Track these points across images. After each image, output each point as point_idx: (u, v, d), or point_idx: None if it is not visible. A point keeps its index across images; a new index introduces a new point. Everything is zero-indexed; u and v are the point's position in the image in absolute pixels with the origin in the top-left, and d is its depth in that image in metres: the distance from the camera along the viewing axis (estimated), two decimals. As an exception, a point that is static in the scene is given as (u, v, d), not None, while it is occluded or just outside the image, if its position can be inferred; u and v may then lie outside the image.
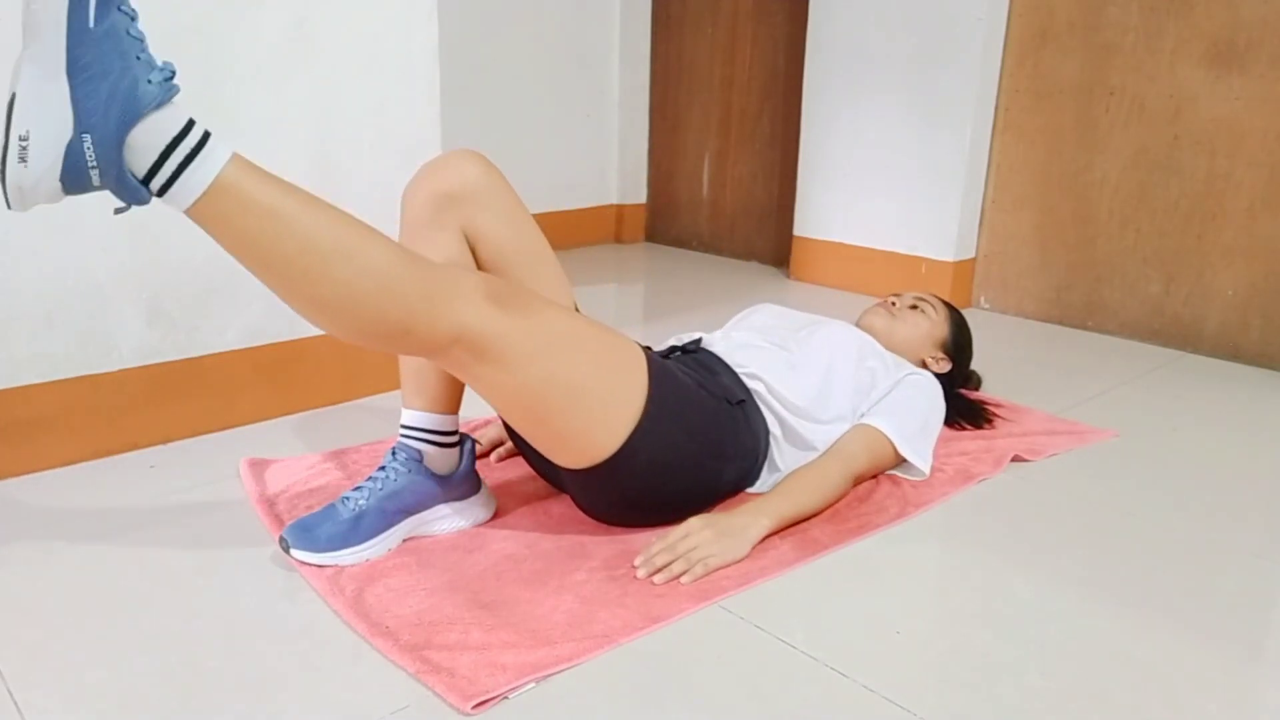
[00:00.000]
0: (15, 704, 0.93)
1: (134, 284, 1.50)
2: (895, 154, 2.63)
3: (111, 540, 1.25)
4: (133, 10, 0.88)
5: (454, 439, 1.26)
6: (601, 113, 3.39)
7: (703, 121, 3.29)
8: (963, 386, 1.76)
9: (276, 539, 1.21)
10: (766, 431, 1.36)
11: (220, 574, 1.17)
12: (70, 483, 1.42)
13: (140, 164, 0.88)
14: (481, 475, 1.32)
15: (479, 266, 1.23)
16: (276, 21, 1.56)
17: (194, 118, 0.90)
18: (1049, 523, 1.37)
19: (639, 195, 3.54)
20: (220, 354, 1.61)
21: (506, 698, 0.94)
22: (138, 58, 0.87)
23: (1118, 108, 2.29)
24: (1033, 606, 1.14)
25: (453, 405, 1.26)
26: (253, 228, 0.92)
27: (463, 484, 1.27)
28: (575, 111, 3.31)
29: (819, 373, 1.43)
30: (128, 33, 0.87)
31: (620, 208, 3.50)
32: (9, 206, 0.88)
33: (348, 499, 1.20)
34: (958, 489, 1.45)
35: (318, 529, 1.17)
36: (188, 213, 0.91)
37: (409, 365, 1.24)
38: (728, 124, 3.21)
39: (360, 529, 1.18)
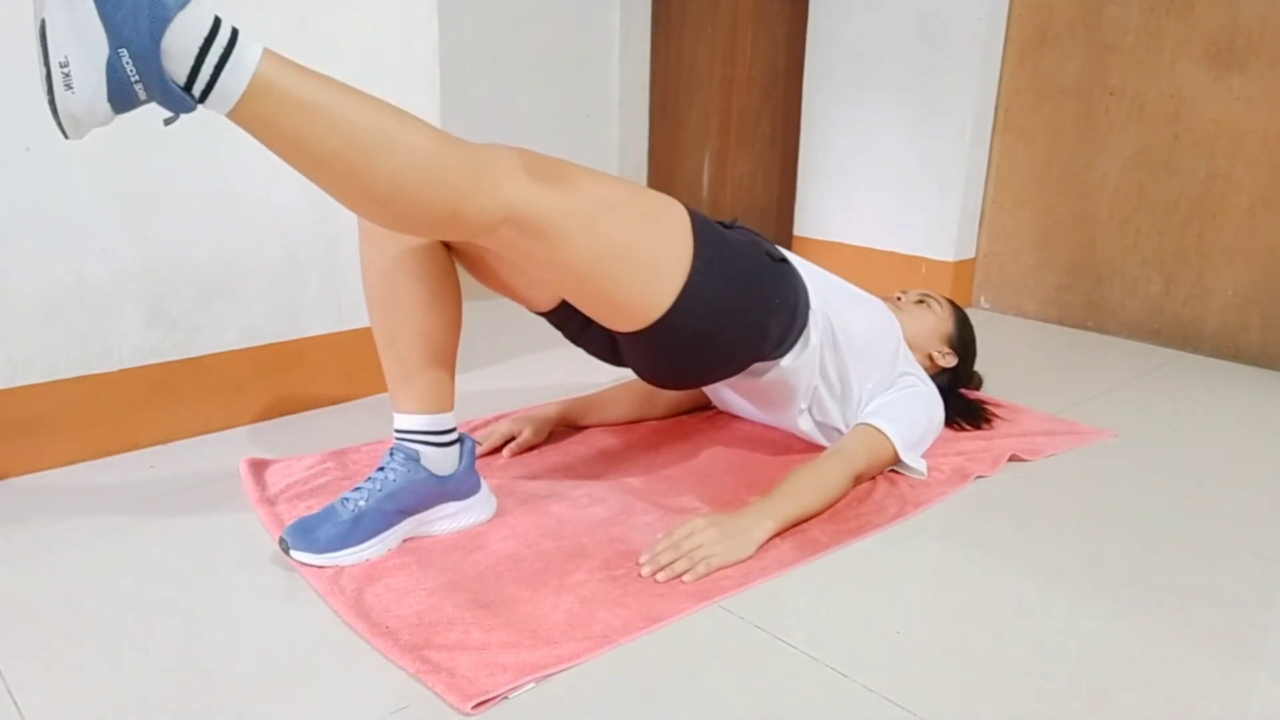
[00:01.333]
0: (15, 704, 0.93)
1: (134, 284, 1.50)
2: (895, 154, 2.64)
3: (111, 540, 1.25)
4: None
5: (451, 438, 1.26)
6: (601, 113, 3.39)
7: (703, 121, 3.29)
8: (965, 385, 1.77)
9: (276, 539, 1.21)
10: (806, 295, 1.36)
11: (220, 574, 1.17)
12: (70, 483, 1.42)
13: (180, 70, 0.87)
14: (481, 475, 1.32)
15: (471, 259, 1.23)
16: (276, 21, 1.56)
17: (219, 14, 0.89)
18: (1049, 523, 1.37)
19: (639, 195, 3.54)
20: (220, 354, 1.61)
21: (506, 698, 0.94)
22: None
23: (1118, 108, 2.29)
24: (1033, 606, 1.14)
25: (445, 403, 1.25)
26: (295, 125, 0.91)
27: (462, 484, 1.27)
28: (575, 111, 3.31)
29: (862, 305, 1.46)
30: None
31: (620, 208, 3.50)
32: (66, 136, 0.88)
33: (347, 499, 1.20)
34: (955, 488, 1.45)
35: (317, 530, 1.17)
36: (230, 116, 0.90)
37: (393, 369, 1.23)
38: (728, 124, 3.21)
39: (360, 529, 1.18)
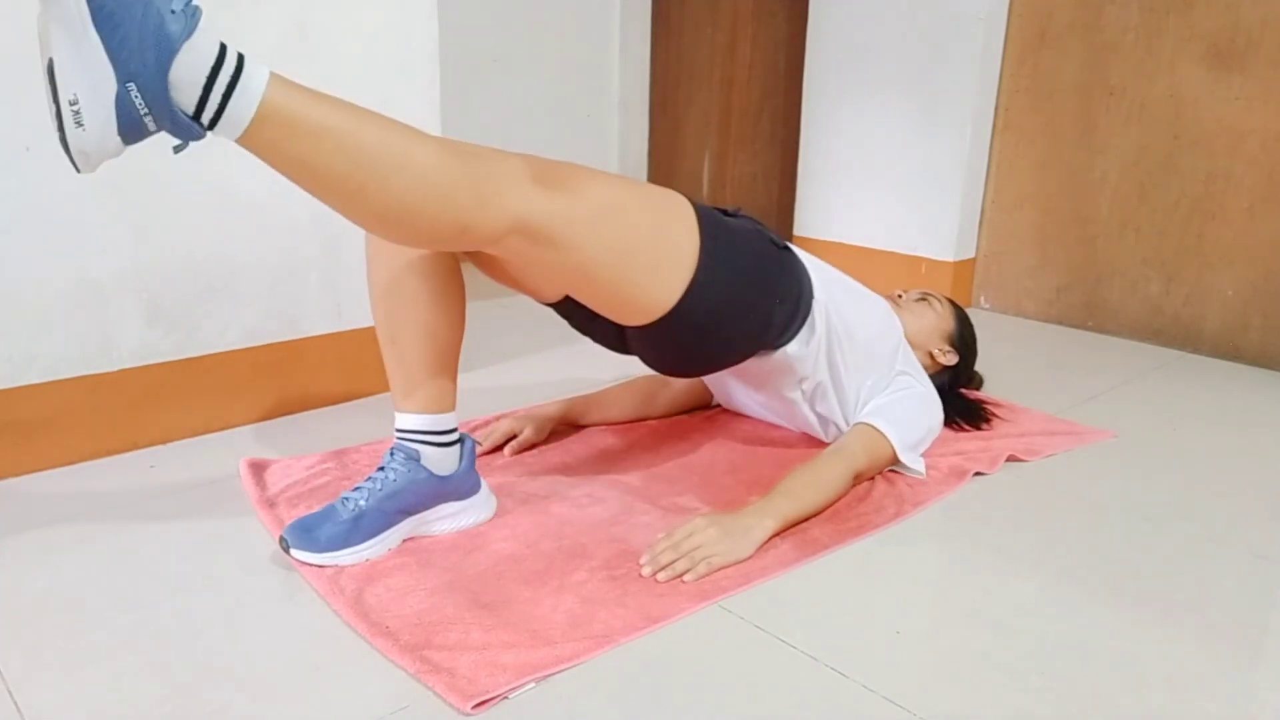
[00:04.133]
0: (15, 704, 0.93)
1: (134, 284, 1.50)
2: (895, 154, 2.64)
3: (111, 540, 1.25)
4: None
5: (452, 438, 1.26)
6: (601, 113, 3.39)
7: (703, 121, 3.29)
8: (965, 385, 1.77)
9: (276, 539, 1.21)
10: (810, 284, 1.37)
11: (220, 574, 1.17)
12: (70, 483, 1.42)
13: (188, 100, 0.87)
14: (482, 475, 1.32)
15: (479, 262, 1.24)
16: (276, 21, 1.56)
17: (224, 41, 0.89)
18: (1049, 522, 1.37)
19: (639, 195, 3.54)
20: (220, 354, 1.61)
21: (506, 698, 0.94)
22: None
23: (1118, 108, 2.29)
24: (1033, 606, 1.14)
25: (446, 404, 1.25)
26: (303, 148, 0.91)
27: (463, 484, 1.27)
28: (575, 111, 3.31)
29: (867, 300, 1.47)
30: None
31: (620, 208, 3.50)
32: (77, 171, 0.88)
33: (347, 499, 1.20)
34: (954, 488, 1.45)
35: (318, 529, 1.17)
36: (239, 141, 0.91)
37: (395, 369, 1.23)
38: (728, 124, 3.21)
39: (360, 529, 1.18)
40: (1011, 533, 1.33)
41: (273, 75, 0.90)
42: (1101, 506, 1.42)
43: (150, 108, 0.86)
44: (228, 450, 1.54)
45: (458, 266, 1.24)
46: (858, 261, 2.76)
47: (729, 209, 1.40)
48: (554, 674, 0.98)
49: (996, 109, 2.50)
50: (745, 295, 1.25)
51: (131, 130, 0.87)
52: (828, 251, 2.83)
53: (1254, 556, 1.28)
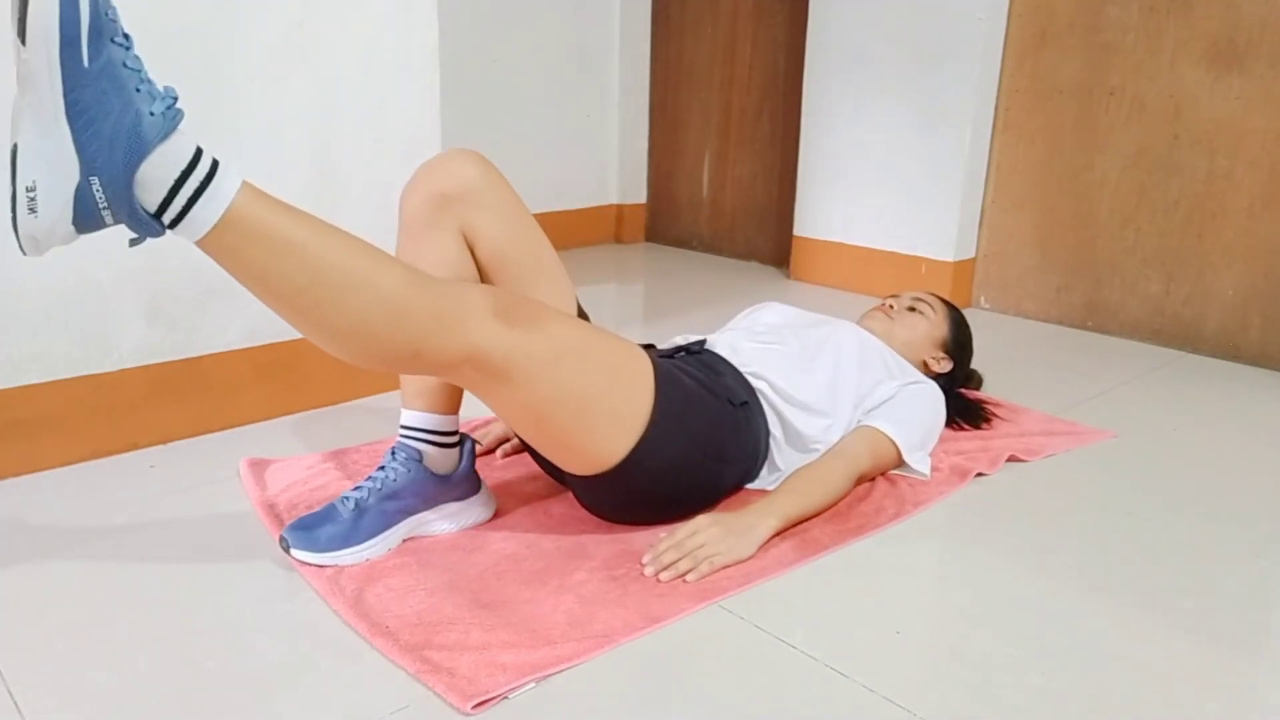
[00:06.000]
0: (15, 704, 0.93)
1: (134, 284, 1.50)
2: (895, 154, 2.64)
3: (111, 540, 1.25)
4: (127, 39, 0.85)
5: (454, 439, 1.26)
6: (601, 113, 3.39)
7: (703, 121, 3.29)
8: (963, 386, 1.76)
9: (277, 539, 1.21)
10: (767, 433, 1.37)
11: (220, 574, 1.17)
12: (70, 483, 1.42)
13: (151, 199, 0.86)
14: (481, 475, 1.32)
15: (478, 266, 1.23)
16: (276, 22, 1.56)
17: (201, 145, 0.88)
18: (1049, 523, 1.37)
19: (639, 195, 3.54)
20: (220, 354, 1.61)
21: (506, 698, 0.94)
22: (137, 89, 0.84)
23: (1118, 108, 2.29)
24: (1033, 606, 1.14)
25: (453, 406, 1.26)
26: (263, 260, 0.90)
27: (463, 484, 1.27)
28: (575, 111, 3.31)
29: (826, 372, 1.43)
30: (124, 64, 0.84)
31: (620, 208, 3.50)
32: (24, 254, 0.87)
33: (347, 499, 1.20)
34: (954, 488, 1.45)
35: (318, 529, 1.17)
36: (198, 244, 0.90)
37: None
38: (728, 124, 3.21)
39: (360, 529, 1.18)
40: (1011, 533, 1.33)
41: (245, 184, 0.89)
42: (1101, 506, 1.42)
43: (110, 203, 0.85)
44: (228, 450, 1.54)
45: (473, 272, 1.24)
46: (858, 262, 2.76)
47: (693, 343, 1.41)
48: (554, 674, 0.98)
49: (996, 109, 2.50)
50: (694, 460, 1.23)
51: (88, 221, 0.86)
52: (828, 251, 2.83)
53: (1254, 556, 1.28)
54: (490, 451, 1.55)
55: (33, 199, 0.83)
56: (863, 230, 2.75)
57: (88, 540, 1.25)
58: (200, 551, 1.22)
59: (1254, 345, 2.16)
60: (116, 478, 1.44)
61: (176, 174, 0.86)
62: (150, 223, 0.88)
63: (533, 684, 0.97)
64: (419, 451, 1.23)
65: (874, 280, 2.72)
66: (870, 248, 2.74)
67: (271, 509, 1.32)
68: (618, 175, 3.47)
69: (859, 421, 1.46)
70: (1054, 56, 2.38)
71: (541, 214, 3.09)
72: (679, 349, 1.43)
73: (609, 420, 1.13)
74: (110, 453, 1.52)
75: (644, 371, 1.17)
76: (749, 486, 1.40)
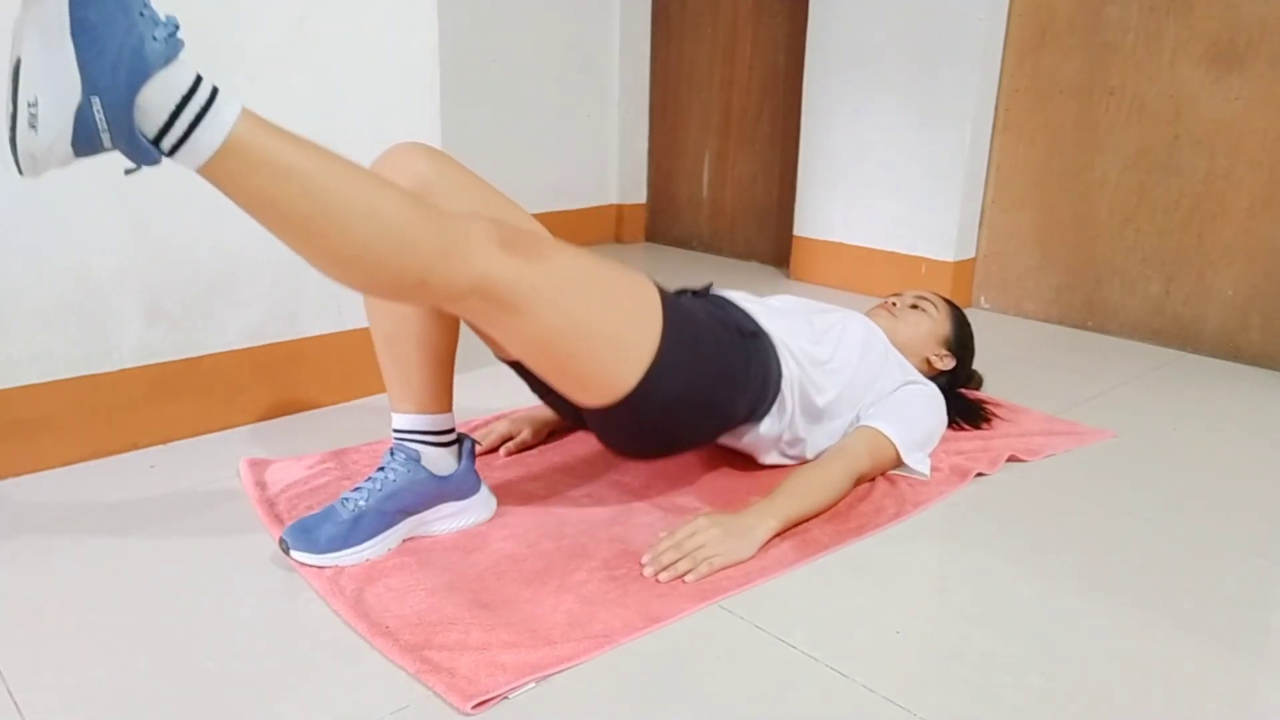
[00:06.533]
0: (15, 704, 0.93)
1: (134, 284, 1.50)
2: (895, 154, 2.64)
3: (111, 540, 1.25)
4: None
5: (450, 438, 1.26)
6: (601, 113, 3.39)
7: (703, 121, 3.29)
8: (964, 385, 1.77)
9: (276, 539, 1.20)
10: (779, 365, 1.35)
11: (220, 574, 1.17)
12: (70, 483, 1.42)
13: (150, 124, 0.86)
14: (481, 475, 1.32)
15: None
16: (277, 21, 1.56)
17: (200, 73, 0.88)
18: (1049, 523, 1.37)
19: (639, 195, 3.54)
20: (220, 354, 1.61)
21: (506, 698, 0.94)
22: (141, 14, 0.84)
23: (1118, 108, 2.29)
24: (1033, 606, 1.14)
25: (443, 404, 1.25)
26: (267, 187, 0.90)
27: (462, 484, 1.27)
28: (575, 111, 3.31)
29: (830, 348, 1.44)
30: None
31: (620, 208, 3.50)
32: (21, 173, 0.87)
33: (347, 499, 1.20)
34: (954, 488, 1.45)
35: (317, 530, 1.17)
36: (199, 171, 0.90)
37: (392, 369, 1.23)
38: (728, 124, 3.21)
39: (360, 529, 1.18)
40: (1011, 533, 1.33)
41: (245, 111, 0.89)
42: (1101, 506, 1.42)
43: (110, 125, 0.85)
44: (228, 450, 1.54)
45: None
46: (858, 262, 2.76)
47: (700, 288, 1.40)
48: (554, 674, 0.98)
49: (996, 109, 2.50)
50: (706, 385, 1.23)
51: (86, 143, 0.86)
52: (828, 251, 2.83)
53: (1254, 556, 1.28)
54: (492, 451, 1.55)
55: (34, 114, 0.83)
56: (863, 230, 2.75)
57: (87, 541, 1.25)
58: (200, 552, 1.22)
59: (1254, 345, 2.16)
60: (116, 478, 1.44)
61: (177, 99, 0.86)
62: (149, 149, 0.87)
63: (533, 684, 0.97)
64: (417, 452, 1.23)
65: (874, 280, 2.71)
66: (870, 248, 2.74)
67: (271, 509, 1.32)
68: (618, 175, 3.47)
69: (858, 421, 1.46)
70: (1054, 56, 2.38)
71: (541, 214, 3.08)
72: (684, 291, 1.42)
73: (617, 348, 1.12)
74: (110, 453, 1.52)
75: (652, 300, 1.17)
76: (760, 430, 1.37)
